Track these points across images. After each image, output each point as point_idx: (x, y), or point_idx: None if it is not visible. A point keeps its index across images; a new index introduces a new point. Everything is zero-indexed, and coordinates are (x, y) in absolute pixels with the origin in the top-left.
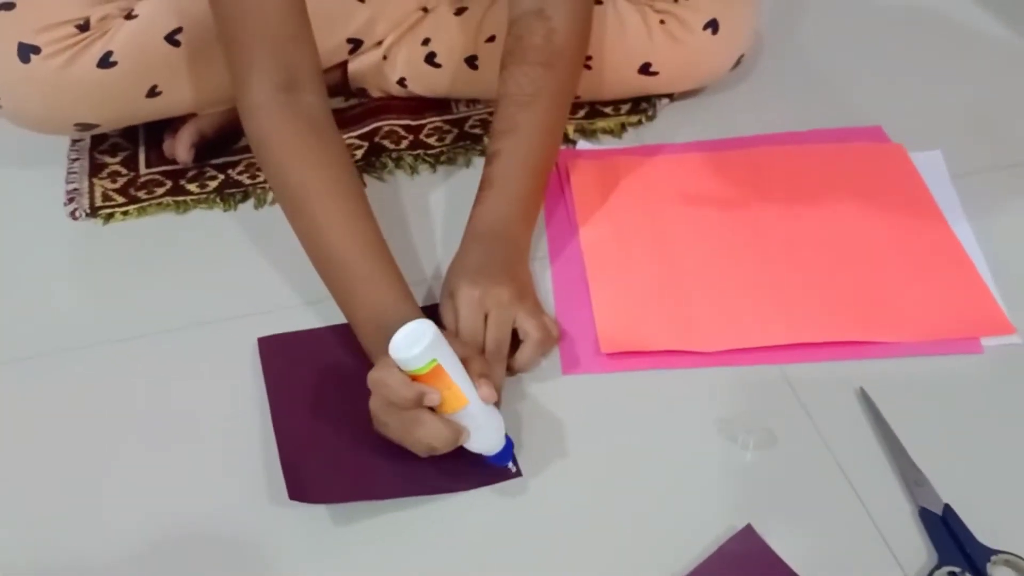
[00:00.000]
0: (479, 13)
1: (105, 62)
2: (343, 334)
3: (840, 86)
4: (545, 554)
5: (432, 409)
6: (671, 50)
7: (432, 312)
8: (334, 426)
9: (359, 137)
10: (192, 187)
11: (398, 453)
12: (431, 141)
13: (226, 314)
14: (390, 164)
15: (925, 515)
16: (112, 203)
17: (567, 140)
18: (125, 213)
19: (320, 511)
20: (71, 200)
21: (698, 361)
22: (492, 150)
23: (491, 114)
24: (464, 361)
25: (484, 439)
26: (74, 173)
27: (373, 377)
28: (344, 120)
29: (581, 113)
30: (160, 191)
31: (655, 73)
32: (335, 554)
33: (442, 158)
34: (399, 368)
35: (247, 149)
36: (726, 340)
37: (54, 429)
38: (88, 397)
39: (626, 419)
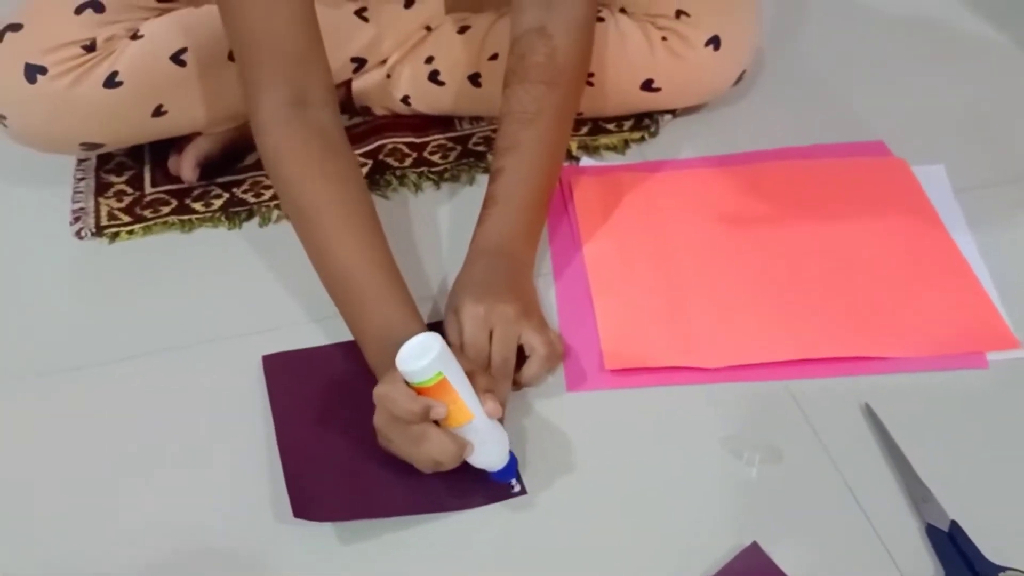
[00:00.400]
0: (482, 31)
1: (111, 82)
2: (348, 352)
3: (842, 101)
4: (550, 571)
5: (437, 424)
6: (673, 66)
7: (438, 329)
8: (339, 444)
9: (363, 155)
10: (197, 206)
11: (403, 471)
12: (435, 158)
13: (231, 332)
14: (394, 182)
15: (932, 532)
16: (118, 222)
17: (570, 157)
18: (130, 232)
19: (325, 529)
20: (77, 219)
21: (702, 377)
22: (495, 167)
23: (494, 131)
24: (470, 376)
25: (488, 454)
26: (80, 192)
27: (379, 392)
28: (349, 137)
29: (584, 130)
30: (165, 210)
31: (657, 89)
32: (340, 571)
33: (446, 175)
34: (405, 382)
35: (252, 168)
36: (730, 356)
37: (60, 446)
38: (93, 415)
39: (630, 436)
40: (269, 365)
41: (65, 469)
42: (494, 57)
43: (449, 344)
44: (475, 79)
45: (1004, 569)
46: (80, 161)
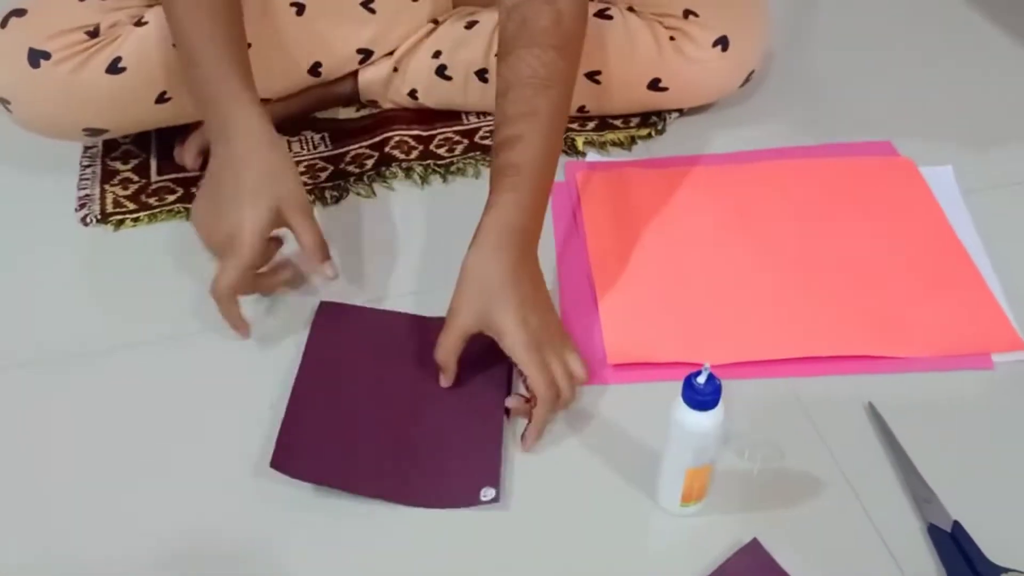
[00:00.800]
0: (490, 26)
1: (114, 68)
2: (403, 323)
3: (850, 101)
4: (547, 566)
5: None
6: (681, 66)
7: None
8: (346, 410)
9: (370, 147)
10: None
11: (393, 456)
12: (441, 152)
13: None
14: (400, 174)
15: (934, 532)
16: (123, 210)
17: (577, 152)
18: (136, 220)
19: (329, 520)
20: (82, 206)
21: None
22: (510, 134)
23: None
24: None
25: None
26: (86, 179)
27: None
28: (355, 130)
29: (591, 125)
30: (171, 198)
31: (664, 89)
32: (335, 559)
33: (452, 168)
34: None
35: None
36: (734, 353)
37: (61, 432)
38: (96, 401)
39: (632, 431)
40: (322, 311)
41: (69, 454)
42: None
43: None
44: (482, 74)
45: (1006, 570)
46: (86, 148)
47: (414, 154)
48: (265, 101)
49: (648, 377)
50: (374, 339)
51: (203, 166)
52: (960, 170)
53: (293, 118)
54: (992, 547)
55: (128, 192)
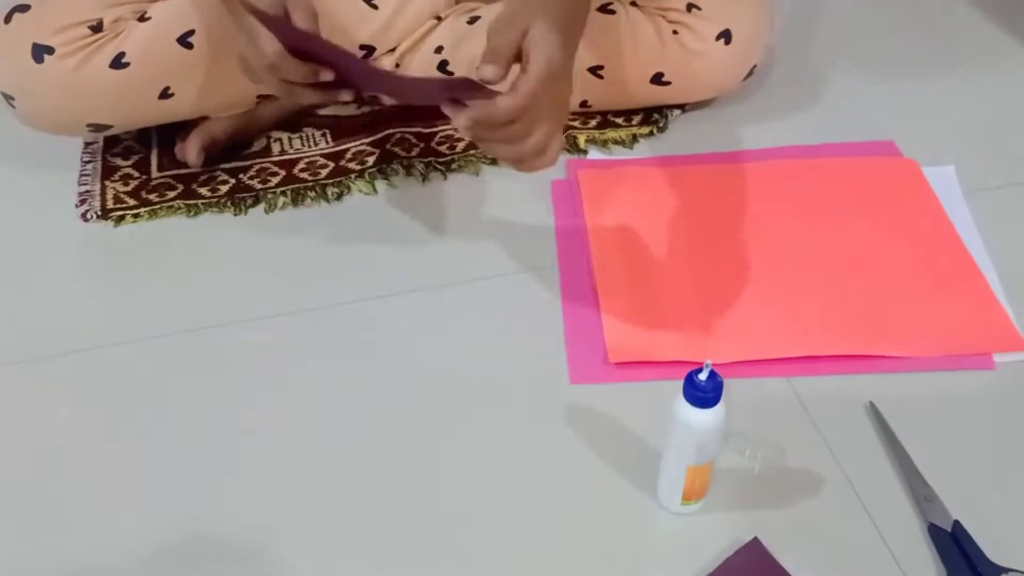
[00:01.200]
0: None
1: (118, 63)
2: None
3: (853, 100)
4: (548, 564)
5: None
6: (684, 60)
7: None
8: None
9: (371, 144)
10: (203, 191)
11: None
12: (442, 149)
13: (232, 318)
14: (401, 171)
15: (934, 531)
16: (124, 206)
17: (578, 150)
18: (136, 216)
19: (333, 519)
20: (83, 202)
21: None
22: None
23: None
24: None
25: None
26: (86, 175)
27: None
28: (356, 127)
29: (592, 123)
30: (171, 194)
31: (667, 83)
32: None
33: (453, 166)
34: None
35: (258, 154)
36: (735, 352)
37: (59, 427)
38: (94, 397)
39: (633, 429)
40: None
41: (64, 449)
42: None
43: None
44: None
45: (1006, 570)
46: (87, 144)
47: (415, 151)
48: (267, 97)
49: (649, 376)
50: None
51: (205, 163)
52: (962, 170)
53: (294, 115)
54: (993, 547)
55: (129, 188)
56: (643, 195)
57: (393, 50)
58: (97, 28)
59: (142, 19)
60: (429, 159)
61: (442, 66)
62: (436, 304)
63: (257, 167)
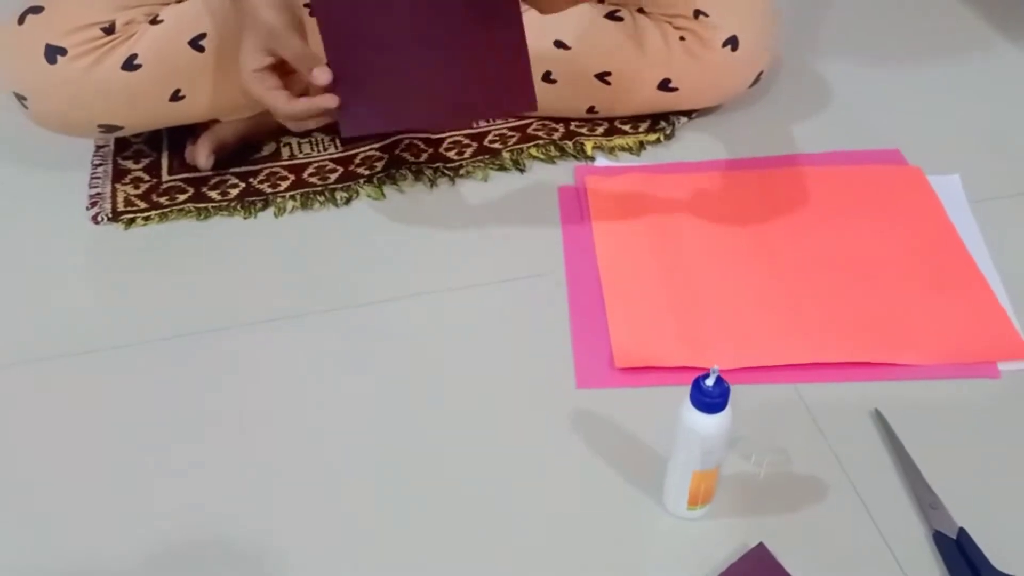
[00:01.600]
0: None
1: (129, 64)
2: None
3: (859, 108)
4: (553, 569)
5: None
6: (690, 66)
7: None
8: (383, 58)
9: (380, 149)
10: (214, 194)
11: (437, 84)
12: (450, 155)
13: (241, 320)
14: (410, 176)
15: (939, 539)
16: (134, 208)
17: (585, 156)
18: (147, 219)
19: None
20: (94, 204)
21: None
22: None
23: (510, 129)
24: None
25: None
26: (97, 178)
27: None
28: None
29: (600, 130)
30: (182, 198)
31: (674, 89)
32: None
33: (461, 172)
34: None
35: (268, 158)
36: (741, 358)
37: (65, 427)
38: (100, 398)
39: (638, 434)
40: None
41: (72, 450)
42: None
43: None
44: None
45: None
46: (98, 147)
47: (424, 156)
48: None
49: (655, 381)
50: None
51: (215, 166)
52: (968, 179)
53: None
54: (997, 554)
55: (139, 191)
56: (650, 202)
57: None
58: (109, 30)
59: (154, 22)
60: (437, 164)
61: None
62: (443, 308)
63: (267, 171)
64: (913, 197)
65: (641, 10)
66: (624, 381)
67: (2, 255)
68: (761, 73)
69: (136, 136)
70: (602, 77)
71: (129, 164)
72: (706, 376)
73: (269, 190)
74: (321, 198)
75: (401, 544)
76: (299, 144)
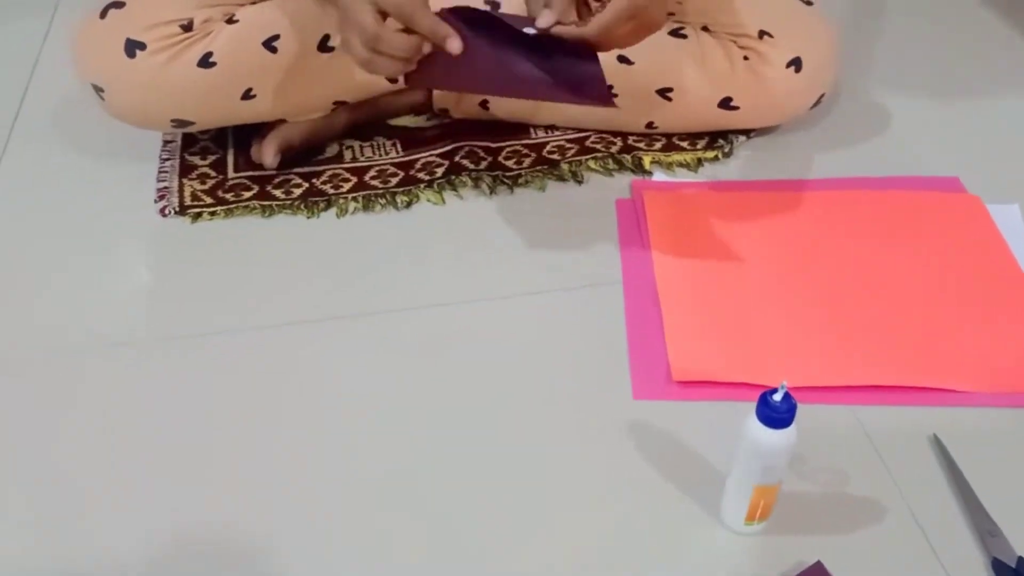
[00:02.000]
0: None
1: (205, 62)
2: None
3: (918, 134)
4: None
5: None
6: (753, 86)
7: None
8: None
9: (440, 156)
10: (278, 193)
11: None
12: (509, 164)
13: (299, 318)
14: (469, 183)
15: (998, 566)
16: (200, 203)
17: (643, 171)
18: (213, 214)
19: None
20: (161, 197)
21: None
22: None
23: (568, 141)
24: None
25: None
26: (165, 172)
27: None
28: (426, 139)
29: (658, 146)
30: (247, 195)
31: (736, 108)
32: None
33: (520, 180)
34: None
35: (331, 160)
36: (799, 377)
37: (113, 416)
38: (161, 387)
39: (694, 447)
40: None
41: (126, 439)
42: None
43: None
44: None
45: None
46: (166, 142)
47: (483, 164)
48: (341, 104)
49: (711, 396)
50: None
51: (281, 165)
52: None
53: (366, 123)
54: None
55: (206, 187)
56: (707, 218)
57: None
58: (188, 27)
59: (230, 21)
60: (496, 172)
61: None
62: (499, 315)
63: (329, 172)
64: (972, 225)
65: (706, 28)
66: (681, 394)
67: (72, 242)
68: (823, 95)
69: (203, 133)
70: (663, 93)
71: (196, 160)
72: (774, 391)
73: (332, 191)
74: (382, 200)
75: (455, 554)
76: (361, 148)
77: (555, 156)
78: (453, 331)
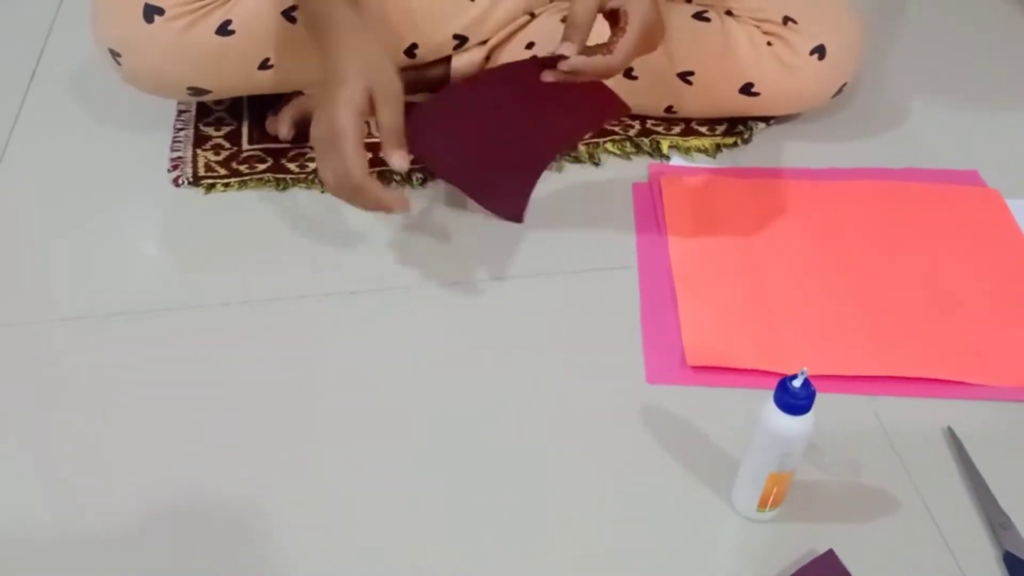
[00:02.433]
0: None
1: (224, 30)
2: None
3: (938, 126)
4: (622, 566)
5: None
6: (775, 72)
7: None
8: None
9: None
10: (292, 166)
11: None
12: None
13: (311, 291)
14: None
15: (1010, 560)
16: (214, 174)
17: (661, 155)
18: (226, 185)
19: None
20: (175, 167)
21: None
22: None
23: None
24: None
25: None
26: (179, 142)
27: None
28: None
29: (676, 130)
30: (261, 167)
31: (756, 94)
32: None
33: None
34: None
35: None
36: (814, 365)
37: (121, 384)
38: (169, 356)
39: (707, 432)
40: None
41: (130, 406)
42: None
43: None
44: None
45: None
46: (180, 112)
47: None
48: None
49: (726, 382)
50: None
51: (296, 138)
52: None
53: None
54: None
55: (220, 158)
56: (724, 204)
57: (485, 42)
58: None
59: None
60: None
61: None
62: (514, 295)
63: None
64: (991, 218)
65: (729, 12)
66: (695, 379)
67: (82, 210)
68: (845, 84)
69: (218, 104)
70: (684, 77)
71: (210, 131)
72: (793, 377)
73: None
74: (397, 177)
75: (464, 536)
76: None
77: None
78: (467, 309)
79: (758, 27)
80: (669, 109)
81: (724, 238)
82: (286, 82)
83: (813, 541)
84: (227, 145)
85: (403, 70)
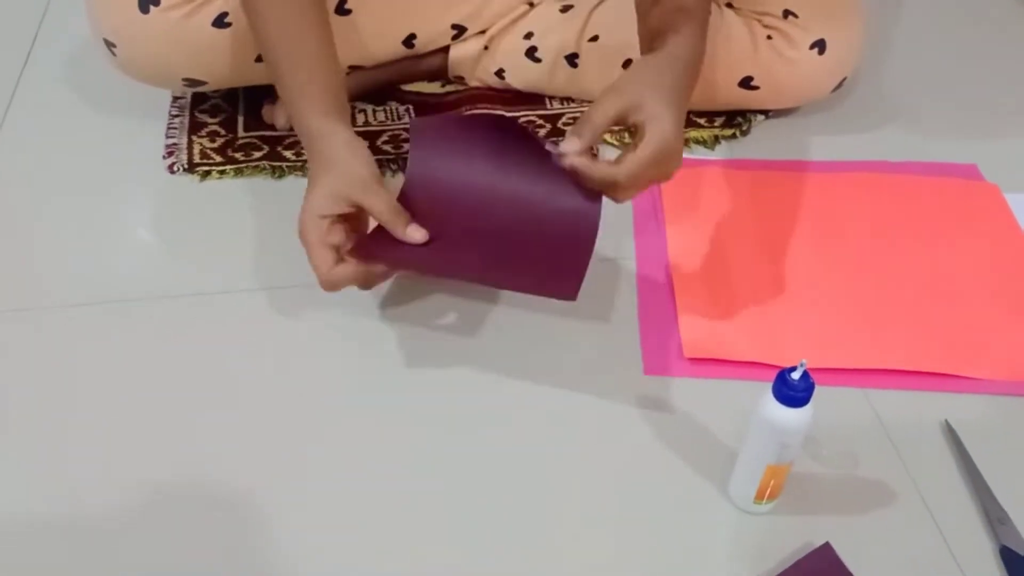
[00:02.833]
0: (584, 12)
1: (220, 22)
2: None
3: (937, 121)
4: (617, 557)
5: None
6: (775, 66)
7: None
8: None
9: None
10: (288, 154)
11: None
12: None
13: (306, 280)
14: None
15: (1007, 554)
16: (210, 161)
17: None
18: (222, 172)
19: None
20: (170, 154)
21: None
22: (661, 23)
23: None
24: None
25: None
26: (174, 129)
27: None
28: (440, 106)
29: None
30: (257, 155)
31: (756, 87)
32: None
33: None
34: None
35: None
36: (812, 358)
37: (116, 371)
38: (153, 346)
39: (704, 424)
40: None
41: (134, 391)
42: (594, 39)
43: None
44: (572, 59)
45: None
46: (175, 99)
47: None
48: (357, 69)
49: (723, 374)
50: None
51: (291, 127)
52: None
53: (380, 88)
54: None
55: (215, 145)
56: (722, 196)
57: (483, 32)
58: None
59: None
60: None
61: (530, 52)
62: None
63: None
64: (989, 213)
65: (730, 5)
66: (692, 371)
67: (79, 196)
68: (845, 79)
69: (214, 91)
70: None
71: (206, 118)
72: (792, 369)
73: None
74: (394, 166)
75: (458, 526)
76: (374, 112)
77: (570, 127)
78: (462, 303)
79: (759, 20)
80: None
81: (722, 230)
82: None
83: (810, 534)
84: (223, 132)
85: (401, 60)
